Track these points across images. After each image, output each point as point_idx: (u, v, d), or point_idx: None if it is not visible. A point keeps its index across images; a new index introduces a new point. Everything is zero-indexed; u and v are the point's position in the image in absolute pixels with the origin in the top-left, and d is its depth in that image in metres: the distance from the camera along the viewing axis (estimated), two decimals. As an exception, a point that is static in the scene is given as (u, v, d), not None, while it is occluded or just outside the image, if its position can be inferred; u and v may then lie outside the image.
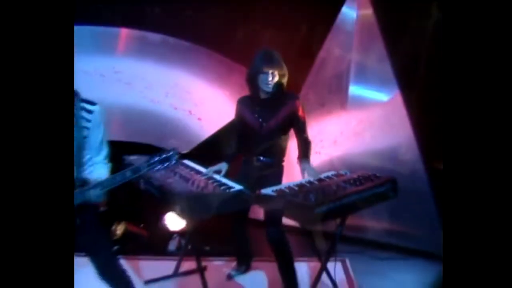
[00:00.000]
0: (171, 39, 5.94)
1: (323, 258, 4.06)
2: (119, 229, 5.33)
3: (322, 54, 5.79)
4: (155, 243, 5.28)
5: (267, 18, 5.56)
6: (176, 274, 4.60)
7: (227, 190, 3.69)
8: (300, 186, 3.70)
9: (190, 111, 5.72)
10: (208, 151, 4.99)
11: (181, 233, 5.29)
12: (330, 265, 4.27)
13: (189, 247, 4.67)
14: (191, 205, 3.53)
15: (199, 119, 5.65)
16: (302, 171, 4.04)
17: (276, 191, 3.59)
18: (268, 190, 3.58)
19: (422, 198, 5.30)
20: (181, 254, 4.72)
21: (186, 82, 6.00)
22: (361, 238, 5.50)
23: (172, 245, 5.24)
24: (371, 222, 5.55)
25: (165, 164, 3.19)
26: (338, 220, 3.88)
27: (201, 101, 5.82)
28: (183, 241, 5.13)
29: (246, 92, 4.28)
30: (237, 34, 5.74)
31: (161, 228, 5.39)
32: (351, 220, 4.88)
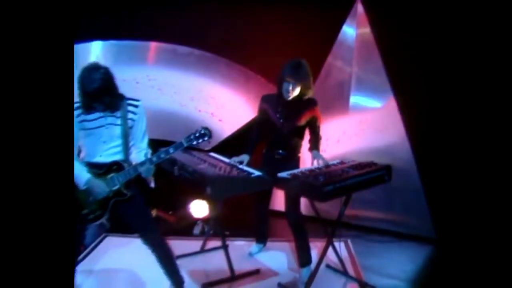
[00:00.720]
0: (196, 51, 6.26)
1: (329, 235, 4.29)
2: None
3: (326, 66, 6.03)
4: (182, 228, 5.56)
5: (279, 34, 5.82)
6: (203, 250, 4.95)
7: (249, 176, 3.99)
8: (311, 170, 4.00)
9: (212, 113, 6.01)
10: (228, 147, 5.25)
11: (204, 220, 5.61)
12: (335, 244, 4.47)
13: (211, 232, 5.03)
14: (220, 185, 3.86)
15: (220, 120, 5.94)
16: (313, 158, 4.27)
17: (291, 174, 3.90)
18: (284, 174, 3.90)
19: (413, 190, 5.50)
20: (205, 235, 5.08)
21: (209, 88, 6.30)
22: (360, 225, 5.76)
23: (197, 230, 5.56)
24: (369, 212, 5.80)
25: (200, 140, 3.54)
26: (342, 200, 4.13)
27: (222, 105, 6.10)
28: (206, 227, 5.47)
29: (260, 98, 4.50)
30: (255, 48, 6.00)
31: (187, 215, 5.70)
32: (352, 211, 5.26)
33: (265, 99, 4.41)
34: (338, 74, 6.03)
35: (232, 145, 5.24)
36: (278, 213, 5.24)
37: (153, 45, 5.95)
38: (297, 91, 4.11)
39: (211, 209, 5.48)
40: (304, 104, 4.24)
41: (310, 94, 4.22)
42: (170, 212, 5.79)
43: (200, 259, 4.82)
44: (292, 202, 4.28)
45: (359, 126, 5.85)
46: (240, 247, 4.99)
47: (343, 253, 4.77)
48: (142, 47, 6.04)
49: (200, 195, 4.11)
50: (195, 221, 5.63)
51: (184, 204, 5.75)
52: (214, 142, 5.66)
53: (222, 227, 4.67)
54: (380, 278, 4.48)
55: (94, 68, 3.38)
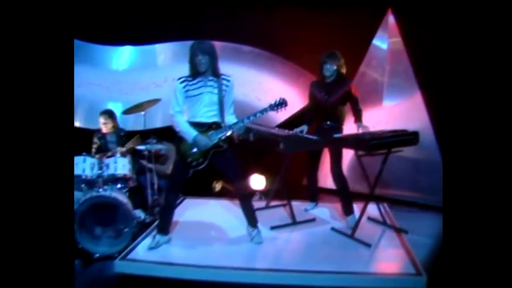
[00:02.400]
0: (256, 50, 7.56)
1: (370, 189, 5.52)
2: (217, 186, 7.03)
3: (363, 65, 7.33)
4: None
5: (324, 37, 6.94)
6: (267, 207, 6.33)
7: (310, 138, 5.45)
8: (358, 133, 5.44)
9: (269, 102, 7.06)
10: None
11: (261, 191, 6.90)
12: (374, 205, 5.84)
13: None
14: (290, 142, 5.31)
15: None
16: (358, 128, 5.60)
17: (344, 135, 5.41)
18: (338, 135, 5.38)
19: (435, 168, 6.41)
20: (269, 196, 6.43)
21: (267, 81, 7.58)
22: (392, 198, 6.86)
23: (255, 199, 6.80)
24: (399, 187, 6.94)
25: (279, 107, 4.93)
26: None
27: (278, 95, 6.75)
28: (263, 196, 6.79)
29: (307, 91, 5.91)
30: (305, 48, 7.18)
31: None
32: (383, 189, 6.41)
33: (312, 84, 5.90)
34: (373, 72, 7.28)
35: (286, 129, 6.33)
36: (325, 190, 6.66)
37: (221, 44, 6.91)
38: (334, 69, 5.58)
39: (267, 183, 6.84)
40: (340, 82, 5.67)
41: (343, 70, 5.66)
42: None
43: (265, 213, 6.04)
44: (336, 161, 5.66)
45: (390, 116, 6.99)
46: (297, 206, 6.12)
47: (383, 211, 5.95)
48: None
49: (273, 151, 5.37)
50: (254, 192, 6.84)
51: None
52: (271, 125, 6.65)
53: (286, 185, 5.99)
54: (409, 235, 5.48)
55: (202, 41, 4.83)
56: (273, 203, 6.41)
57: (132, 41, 7.53)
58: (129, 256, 4.97)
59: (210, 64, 4.79)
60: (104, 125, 6.27)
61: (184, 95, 4.86)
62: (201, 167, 4.96)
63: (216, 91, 4.86)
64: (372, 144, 5.01)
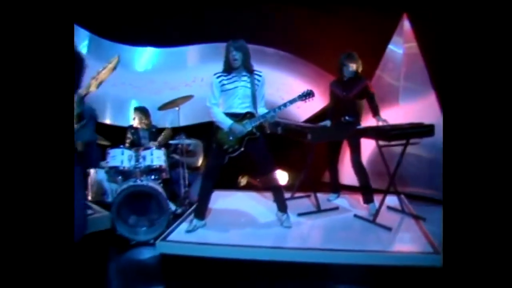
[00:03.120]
0: (281, 52, 8.13)
1: (390, 178, 6.09)
2: (243, 181, 7.64)
3: (380, 68, 7.90)
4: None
5: (343, 39, 7.45)
6: (292, 197, 6.91)
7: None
8: (379, 125, 6.02)
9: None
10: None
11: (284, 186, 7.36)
12: (393, 197, 6.37)
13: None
14: (316, 132, 5.97)
15: (298, 107, 7.56)
16: (377, 122, 6.14)
17: (365, 127, 6.05)
18: (361, 127, 6.03)
19: None
20: (292, 190, 7.03)
21: (290, 82, 8.11)
22: (410, 194, 7.31)
23: None
24: (417, 183, 7.46)
25: (308, 97, 5.55)
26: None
27: None
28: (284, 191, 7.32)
29: (327, 91, 6.56)
30: (325, 51, 7.71)
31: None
32: (402, 186, 6.91)
33: (332, 83, 6.56)
34: (388, 76, 7.84)
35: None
36: (345, 186, 7.26)
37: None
38: (353, 68, 6.20)
39: (289, 178, 7.47)
40: (357, 80, 6.29)
41: (360, 70, 6.28)
42: (258, 180, 7.60)
43: (290, 204, 6.37)
44: (355, 151, 6.24)
45: (406, 116, 7.24)
46: (320, 196, 6.61)
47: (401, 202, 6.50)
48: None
49: (301, 141, 5.98)
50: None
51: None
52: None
53: (311, 177, 6.64)
54: (427, 225, 5.99)
55: (236, 40, 5.42)
56: (297, 194, 7.01)
57: (162, 43, 8.16)
58: (168, 238, 5.57)
59: (243, 60, 5.39)
60: (138, 120, 6.92)
61: (220, 89, 5.47)
62: (236, 153, 5.53)
63: (249, 85, 5.45)
64: (392, 134, 5.60)
